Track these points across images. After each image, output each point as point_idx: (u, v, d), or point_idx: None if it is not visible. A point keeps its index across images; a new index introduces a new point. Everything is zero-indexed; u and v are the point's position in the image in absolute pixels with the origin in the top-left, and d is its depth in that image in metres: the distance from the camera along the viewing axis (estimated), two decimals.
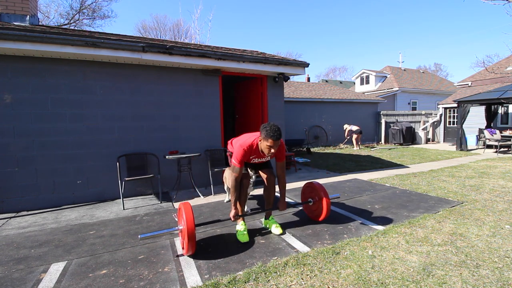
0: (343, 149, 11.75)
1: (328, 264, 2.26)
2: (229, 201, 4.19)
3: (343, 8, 75.42)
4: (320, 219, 3.12)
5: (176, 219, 2.81)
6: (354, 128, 11.70)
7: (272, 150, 2.61)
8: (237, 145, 2.77)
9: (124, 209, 3.96)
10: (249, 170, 3.12)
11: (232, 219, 2.75)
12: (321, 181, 5.51)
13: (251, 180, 3.27)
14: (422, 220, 3.19)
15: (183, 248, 2.54)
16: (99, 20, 23.68)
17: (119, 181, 4.19)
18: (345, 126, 12.09)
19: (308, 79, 23.10)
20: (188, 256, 2.48)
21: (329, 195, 3.08)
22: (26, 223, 3.48)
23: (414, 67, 38.33)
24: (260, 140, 2.68)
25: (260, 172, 3.05)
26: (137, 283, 2.10)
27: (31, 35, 3.60)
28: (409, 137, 13.07)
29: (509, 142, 9.27)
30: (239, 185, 2.79)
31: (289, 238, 2.83)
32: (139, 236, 2.44)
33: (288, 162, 6.90)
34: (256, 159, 2.84)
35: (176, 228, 2.59)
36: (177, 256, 2.50)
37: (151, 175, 4.37)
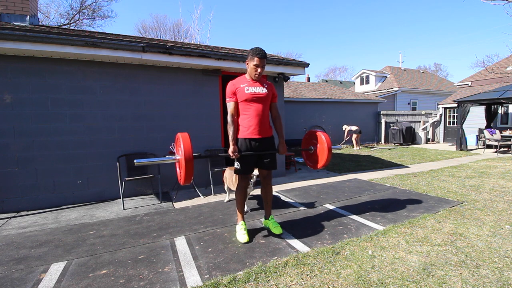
0: (342, 149, 11.75)
1: (328, 264, 2.26)
2: (229, 201, 4.20)
3: (343, 8, 75.46)
4: (320, 166, 3.06)
5: (174, 150, 2.74)
6: (354, 128, 11.69)
7: (259, 70, 2.65)
8: (227, 84, 2.78)
9: (124, 209, 3.96)
10: (252, 174, 3.08)
11: (232, 156, 2.65)
12: (321, 181, 5.51)
13: (251, 180, 3.26)
14: (422, 220, 3.19)
15: (179, 179, 2.53)
16: (99, 20, 23.75)
17: (119, 181, 4.19)
18: (344, 126, 12.07)
19: (308, 79, 23.12)
20: (188, 255, 2.48)
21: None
22: (26, 223, 3.48)
23: (414, 67, 38.38)
24: (247, 64, 2.72)
25: (259, 170, 3.00)
26: (137, 283, 2.10)
27: (31, 35, 3.60)
28: (409, 137, 13.07)
29: (509, 142, 9.27)
30: (235, 121, 2.70)
31: (289, 238, 2.83)
32: (134, 161, 2.40)
33: (288, 162, 6.90)
34: (250, 87, 2.69)
35: (174, 157, 2.58)
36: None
37: (151, 175, 4.37)
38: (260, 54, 2.63)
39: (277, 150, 2.87)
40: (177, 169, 2.65)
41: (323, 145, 2.99)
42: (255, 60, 2.63)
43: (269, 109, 2.88)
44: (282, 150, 2.86)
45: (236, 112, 2.71)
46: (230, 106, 2.69)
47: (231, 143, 2.65)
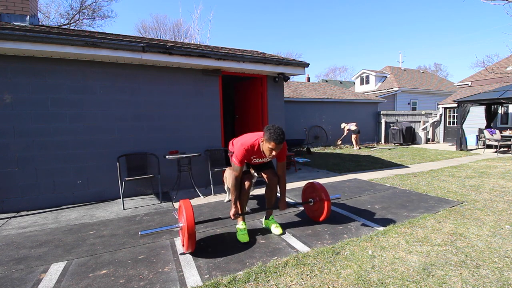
0: (342, 148, 11.75)
1: (328, 264, 2.26)
2: (229, 201, 4.19)
3: (343, 8, 75.47)
4: (321, 219, 3.12)
5: (177, 217, 2.81)
6: (353, 127, 11.70)
7: (274, 153, 2.60)
8: (238, 144, 2.76)
9: (124, 209, 3.96)
10: (251, 171, 3.10)
11: (232, 218, 2.75)
12: (321, 181, 5.51)
13: (252, 181, 3.26)
14: (422, 220, 3.19)
15: (183, 246, 2.54)
16: (99, 20, 23.73)
17: (119, 181, 4.19)
18: (343, 124, 12.08)
19: (308, 79, 23.11)
20: (188, 255, 2.48)
21: (329, 195, 3.08)
22: (26, 223, 3.48)
23: (414, 67, 38.37)
24: (262, 141, 2.67)
25: (262, 173, 3.03)
26: (137, 283, 2.10)
27: (31, 35, 3.60)
28: (409, 137, 13.07)
29: (509, 142, 9.27)
30: (239, 184, 2.79)
31: (289, 238, 2.83)
32: (139, 233, 2.45)
33: (288, 162, 6.90)
34: (257, 159, 2.84)
35: (177, 225, 2.60)
36: (180, 254, 2.50)
37: (151, 175, 4.37)
38: (278, 139, 2.51)
39: (277, 207, 2.98)
40: (180, 235, 2.69)
41: (323, 203, 3.06)
42: (271, 145, 2.55)
43: (276, 163, 2.95)
44: (282, 207, 2.97)
45: (241, 174, 2.80)
46: (237, 169, 2.73)
47: (232, 205, 2.80)
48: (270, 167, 3.03)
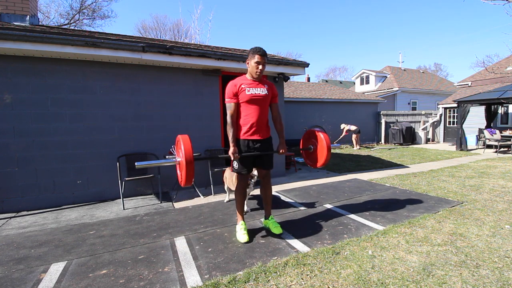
0: (342, 148, 11.75)
1: (328, 264, 2.26)
2: (229, 201, 4.20)
3: (343, 8, 75.49)
4: (319, 164, 3.07)
5: (174, 152, 2.71)
6: (353, 128, 11.69)
7: (260, 67, 2.64)
8: (228, 84, 2.73)
9: (124, 209, 3.96)
10: (253, 171, 3.09)
11: (232, 157, 2.63)
12: (321, 181, 5.51)
13: (252, 180, 3.26)
14: (422, 220, 3.19)
15: (180, 181, 2.50)
16: (99, 20, 23.75)
17: (119, 181, 4.19)
18: (343, 125, 12.03)
19: (308, 79, 23.12)
20: (188, 255, 2.48)
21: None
22: (26, 223, 3.48)
23: (414, 67, 38.36)
24: (247, 63, 2.71)
25: (258, 169, 3.00)
26: (137, 283, 2.10)
27: (31, 35, 3.60)
28: (409, 137, 13.07)
29: (509, 142, 9.27)
30: (235, 122, 2.69)
31: (289, 238, 2.83)
32: (135, 164, 2.39)
33: (288, 162, 6.90)
34: (251, 88, 2.68)
35: (174, 159, 2.56)
36: (180, 254, 2.49)
37: (151, 175, 4.37)
38: (260, 51, 2.64)
39: (277, 150, 2.86)
40: (178, 171, 2.63)
41: (322, 143, 3.00)
42: (256, 58, 2.63)
43: (270, 108, 2.88)
44: (282, 149, 2.85)
45: (237, 113, 2.69)
46: (230, 107, 2.66)
47: (231, 144, 2.64)
48: (266, 167, 2.94)
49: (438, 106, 14.03)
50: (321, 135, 3.04)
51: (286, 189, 4.88)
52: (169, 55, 4.45)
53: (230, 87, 2.68)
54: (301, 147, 3.33)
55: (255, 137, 2.73)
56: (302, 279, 2.07)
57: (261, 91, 2.71)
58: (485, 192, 4.36)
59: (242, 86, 2.67)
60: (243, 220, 2.94)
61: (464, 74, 67.87)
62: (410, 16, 75.98)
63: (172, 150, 2.78)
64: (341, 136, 12.19)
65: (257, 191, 4.63)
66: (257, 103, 2.70)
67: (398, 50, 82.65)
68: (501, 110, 11.47)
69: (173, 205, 4.13)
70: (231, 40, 61.61)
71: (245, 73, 2.79)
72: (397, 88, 18.53)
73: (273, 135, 2.92)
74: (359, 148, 11.63)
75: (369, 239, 2.71)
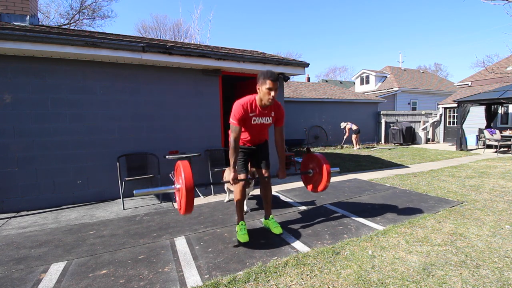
0: (343, 148, 11.75)
1: (328, 264, 2.26)
2: (229, 201, 4.20)
3: (343, 8, 75.49)
4: (319, 189, 3.04)
5: (173, 179, 2.66)
6: (354, 127, 11.69)
7: (272, 93, 2.52)
8: (236, 103, 2.67)
9: (124, 209, 3.96)
10: (251, 170, 3.10)
11: (232, 183, 2.65)
12: None
13: (250, 183, 3.27)
14: (422, 220, 3.19)
15: (180, 209, 2.44)
16: (99, 20, 23.74)
17: (119, 181, 4.19)
18: (343, 124, 12.03)
19: (308, 79, 23.12)
20: (188, 255, 2.48)
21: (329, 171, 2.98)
22: (26, 223, 3.48)
23: (414, 67, 38.35)
24: (258, 89, 2.61)
25: (257, 170, 3.01)
26: (137, 283, 2.10)
27: (31, 35, 3.60)
28: (409, 137, 13.07)
29: (509, 142, 9.27)
30: (238, 147, 2.69)
31: (289, 238, 2.83)
32: (134, 192, 2.33)
33: (288, 162, 6.89)
34: (257, 118, 2.69)
35: (173, 186, 2.49)
36: (180, 254, 2.49)
37: (151, 175, 4.37)
38: (272, 77, 2.51)
39: (276, 175, 2.92)
40: (176, 197, 2.57)
41: (323, 172, 2.94)
42: (268, 84, 2.49)
43: (274, 128, 2.89)
44: (281, 175, 2.88)
45: (239, 136, 2.69)
46: (236, 130, 2.61)
47: (232, 169, 2.65)
48: (266, 166, 2.97)
49: (438, 106, 14.04)
50: (321, 161, 2.97)
51: (286, 189, 4.87)
52: (169, 55, 4.45)
53: (239, 109, 2.60)
54: (301, 170, 3.37)
55: (248, 145, 2.89)
56: (302, 279, 2.07)
57: (266, 120, 2.75)
58: (485, 192, 4.36)
59: (250, 114, 2.64)
60: (243, 220, 2.94)
61: (464, 74, 67.91)
62: (410, 16, 76.01)
63: (172, 176, 2.74)
64: (345, 137, 12.19)
65: (257, 191, 4.63)
66: (258, 127, 2.77)
67: (398, 50, 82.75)
68: (501, 110, 11.47)
69: (173, 205, 4.13)
70: (231, 40, 61.63)
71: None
72: (397, 88, 18.53)
73: (272, 134, 2.95)
74: (359, 148, 11.63)
75: (369, 239, 2.71)
